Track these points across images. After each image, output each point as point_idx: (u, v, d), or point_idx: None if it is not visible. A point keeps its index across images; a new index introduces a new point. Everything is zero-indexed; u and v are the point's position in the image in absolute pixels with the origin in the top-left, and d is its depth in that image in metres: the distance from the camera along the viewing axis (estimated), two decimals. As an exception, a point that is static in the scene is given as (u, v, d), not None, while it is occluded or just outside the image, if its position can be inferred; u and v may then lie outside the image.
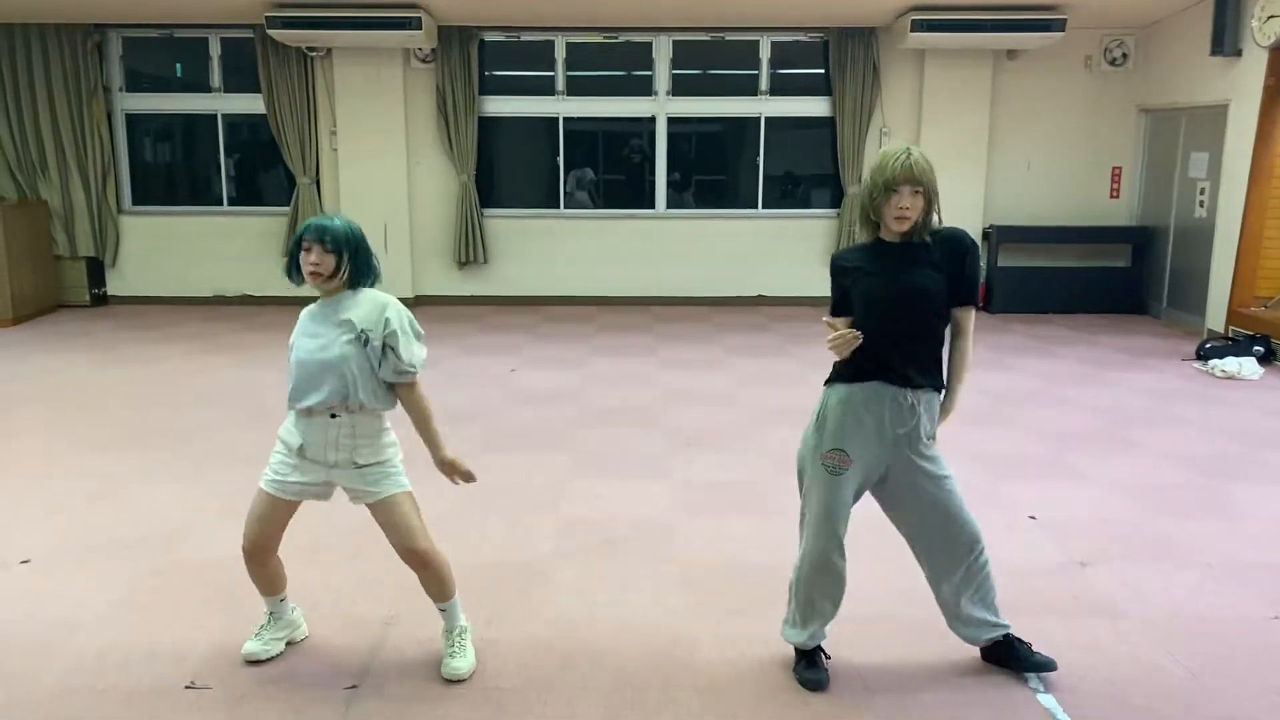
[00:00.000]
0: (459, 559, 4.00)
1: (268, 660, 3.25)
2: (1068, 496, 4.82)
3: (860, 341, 2.90)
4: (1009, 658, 3.20)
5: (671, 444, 5.60)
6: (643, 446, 5.57)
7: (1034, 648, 3.22)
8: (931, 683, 3.15)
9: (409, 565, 3.14)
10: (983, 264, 9.83)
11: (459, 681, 3.13)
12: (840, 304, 3.10)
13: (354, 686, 3.13)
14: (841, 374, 3.04)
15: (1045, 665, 3.18)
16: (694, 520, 4.51)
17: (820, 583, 3.10)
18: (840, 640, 3.33)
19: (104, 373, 7.21)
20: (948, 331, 3.09)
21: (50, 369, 7.31)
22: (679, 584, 3.86)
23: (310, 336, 3.04)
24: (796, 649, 3.21)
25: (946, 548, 3.10)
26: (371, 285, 3.12)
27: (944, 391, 3.09)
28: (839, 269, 3.10)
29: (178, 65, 10.09)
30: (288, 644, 3.35)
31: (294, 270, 3.06)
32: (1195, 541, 4.29)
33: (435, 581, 3.16)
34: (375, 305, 3.04)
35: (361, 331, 3.00)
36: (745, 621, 3.55)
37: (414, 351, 3.07)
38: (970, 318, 3.10)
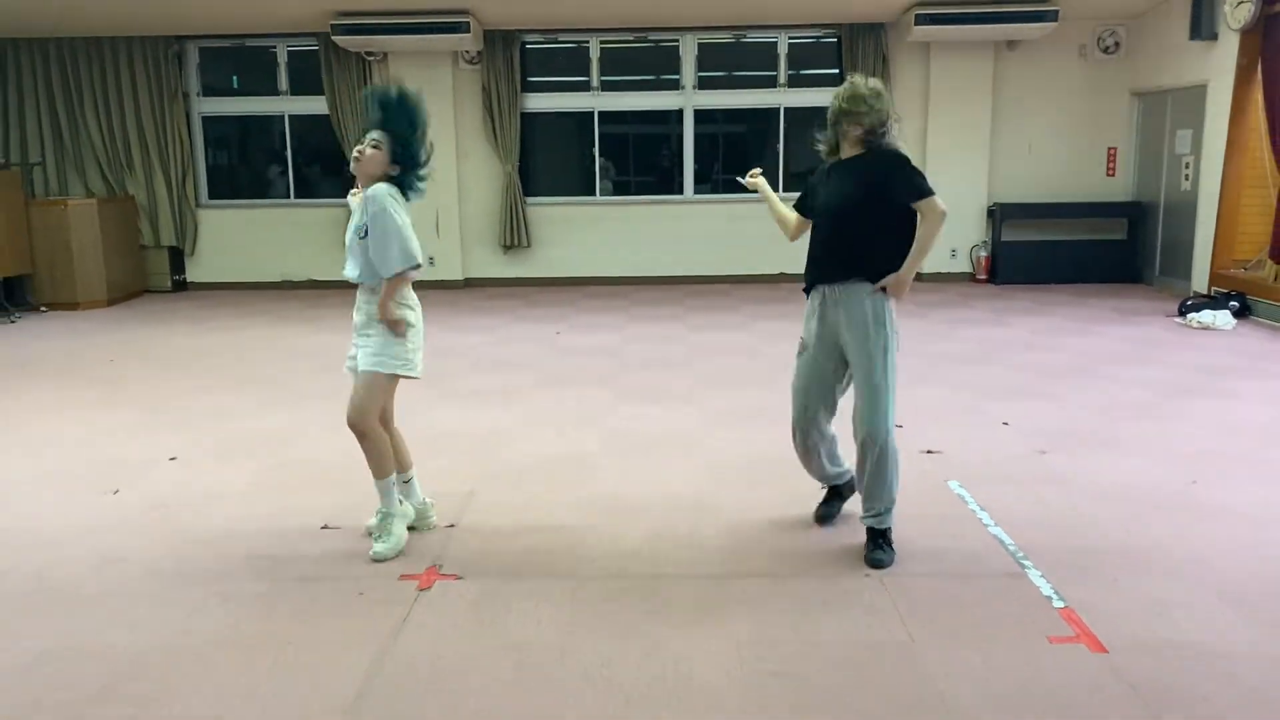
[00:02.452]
0: (523, 454, 4.94)
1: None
2: (1040, 410, 5.62)
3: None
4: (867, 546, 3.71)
5: (697, 382, 6.45)
6: (675, 384, 6.42)
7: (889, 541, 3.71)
8: (909, 527, 3.96)
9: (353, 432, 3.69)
10: (987, 239, 10.61)
11: (380, 560, 3.64)
12: (800, 202, 3.84)
13: (452, 526, 4.02)
14: (804, 288, 3.80)
15: (875, 563, 3.61)
16: (717, 431, 5.36)
17: (800, 438, 3.84)
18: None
19: (194, 340, 8.16)
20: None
21: (146, 338, 8.29)
22: (704, 470, 4.72)
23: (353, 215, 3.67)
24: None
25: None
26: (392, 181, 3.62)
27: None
28: (815, 179, 3.79)
29: (234, 78, 11.12)
30: (410, 529, 3.90)
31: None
32: (1142, 439, 5.08)
33: (370, 455, 3.68)
34: (367, 198, 3.55)
35: (363, 223, 3.57)
36: (758, 492, 4.39)
37: (387, 255, 3.50)
38: (925, 208, 3.49)
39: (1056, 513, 4.10)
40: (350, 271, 3.69)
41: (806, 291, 3.80)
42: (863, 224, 3.57)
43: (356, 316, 3.75)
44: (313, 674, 2.91)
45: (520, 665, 2.95)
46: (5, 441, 5.33)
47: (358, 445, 3.74)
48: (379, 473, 3.73)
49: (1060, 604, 3.28)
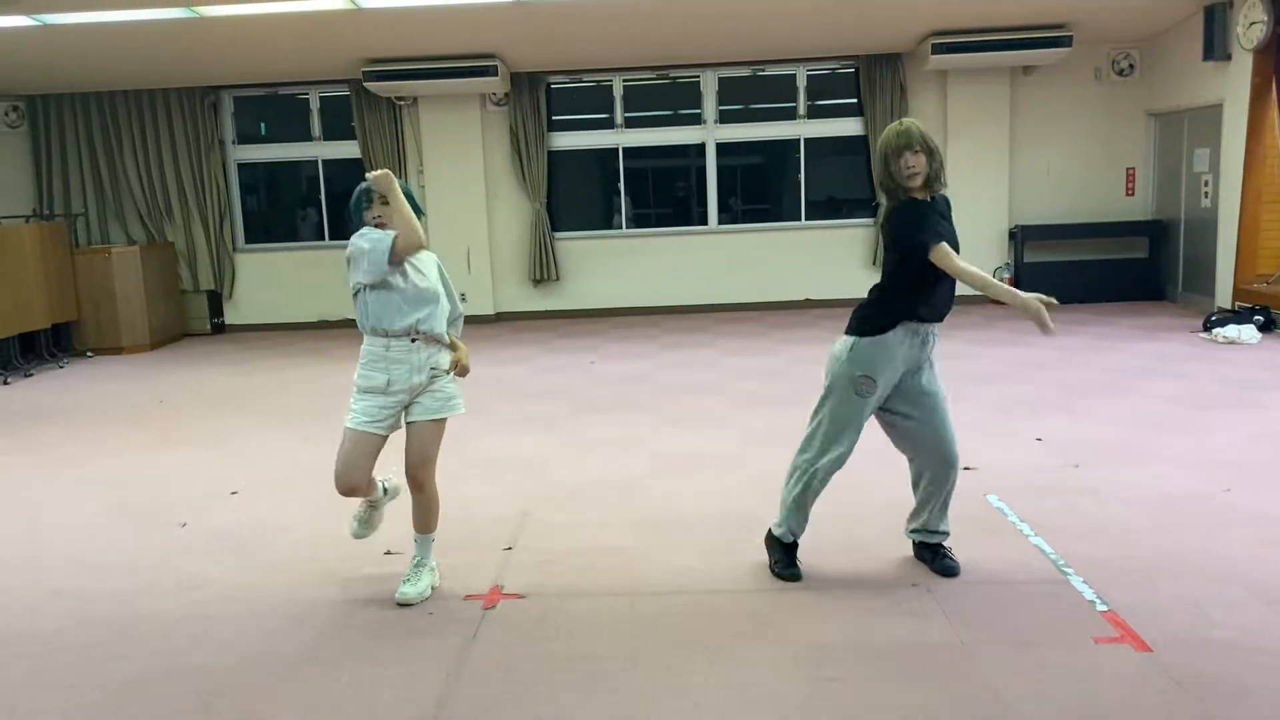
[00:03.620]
0: (571, 478, 5.09)
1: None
2: (1071, 425, 5.75)
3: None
4: (930, 558, 3.81)
5: (733, 405, 6.61)
6: (712, 408, 6.58)
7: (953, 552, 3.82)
8: (952, 539, 4.09)
9: (410, 483, 3.70)
10: (1010, 261, 10.75)
11: (406, 605, 3.64)
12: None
13: (509, 548, 4.18)
14: (879, 326, 3.64)
15: (948, 570, 3.74)
16: (757, 451, 5.51)
17: (824, 486, 3.73)
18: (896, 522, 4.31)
19: (238, 380, 8.40)
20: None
21: (191, 379, 8.53)
22: (746, 487, 4.87)
23: (408, 270, 3.56)
24: (782, 545, 3.84)
25: (931, 451, 3.71)
26: None
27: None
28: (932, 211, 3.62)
29: (261, 125, 11.46)
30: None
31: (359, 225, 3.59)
32: (1174, 450, 5.20)
33: (422, 508, 3.73)
34: (432, 260, 3.73)
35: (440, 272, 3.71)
36: (802, 508, 4.53)
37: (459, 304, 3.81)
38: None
39: (1094, 522, 4.23)
40: (435, 324, 3.62)
41: (885, 328, 3.63)
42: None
43: (416, 377, 3.60)
44: (393, 686, 3.07)
45: (591, 675, 3.10)
46: (72, 480, 5.54)
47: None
48: (429, 527, 3.77)
49: (1103, 607, 3.41)
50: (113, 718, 2.96)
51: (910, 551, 3.93)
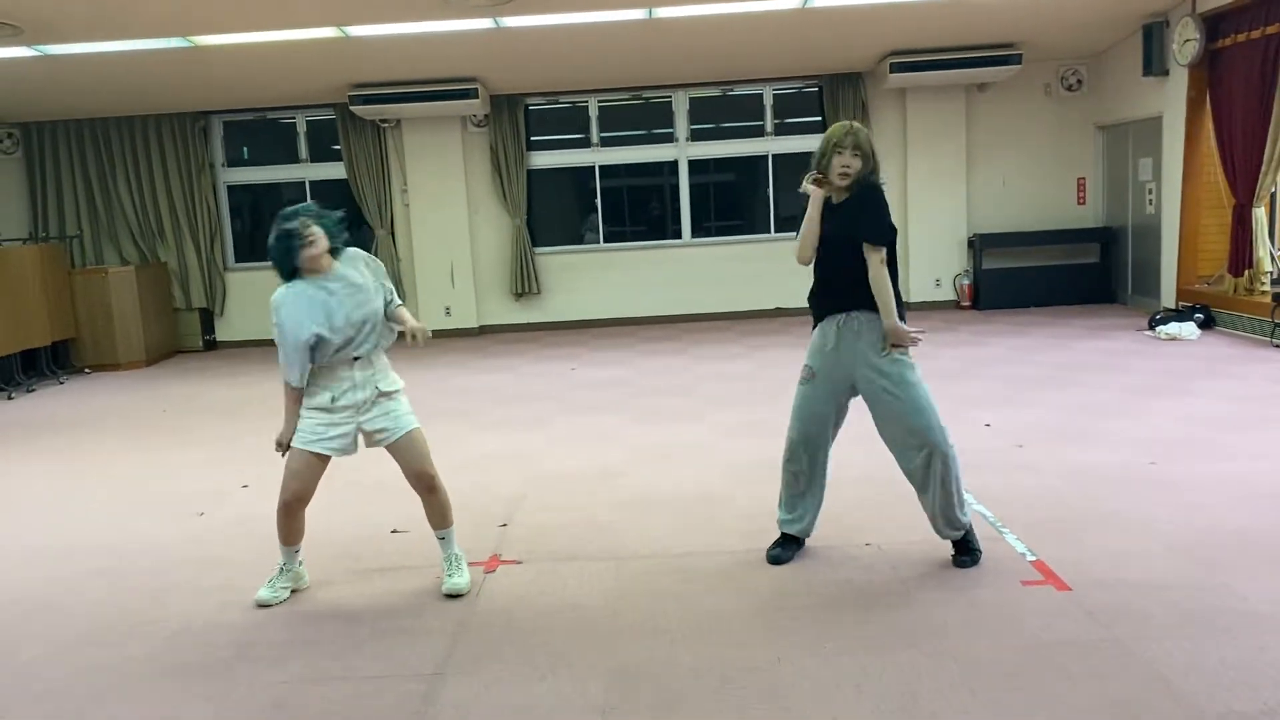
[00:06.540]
0: (556, 468, 5.52)
1: (276, 604, 3.86)
2: (1018, 414, 6.23)
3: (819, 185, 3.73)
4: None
5: (705, 404, 7.06)
6: (686, 407, 7.03)
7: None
8: (901, 508, 4.53)
9: (419, 489, 3.80)
10: (969, 268, 11.29)
11: (458, 596, 3.77)
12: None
13: (505, 525, 4.61)
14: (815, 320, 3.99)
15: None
16: (728, 442, 5.96)
17: (795, 464, 3.94)
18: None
19: (236, 391, 8.77)
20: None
21: (191, 391, 8.90)
22: (719, 472, 5.32)
23: (333, 303, 3.63)
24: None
25: (903, 452, 3.82)
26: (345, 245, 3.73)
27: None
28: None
29: (244, 149, 11.86)
30: (292, 592, 3.94)
31: (289, 270, 3.68)
32: (1110, 432, 5.69)
33: (440, 507, 3.83)
34: (363, 262, 3.74)
35: (379, 286, 3.73)
36: (769, 488, 4.92)
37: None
38: (873, 255, 3.67)
39: (1031, 492, 4.70)
40: (365, 347, 3.71)
41: (817, 321, 3.91)
42: (858, 260, 3.71)
43: (359, 394, 3.71)
44: (409, 635, 3.49)
45: (579, 620, 3.53)
46: (93, 479, 5.92)
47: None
48: (448, 521, 3.87)
49: (1032, 558, 3.87)
50: (163, 662, 3.36)
51: (866, 516, 4.37)
